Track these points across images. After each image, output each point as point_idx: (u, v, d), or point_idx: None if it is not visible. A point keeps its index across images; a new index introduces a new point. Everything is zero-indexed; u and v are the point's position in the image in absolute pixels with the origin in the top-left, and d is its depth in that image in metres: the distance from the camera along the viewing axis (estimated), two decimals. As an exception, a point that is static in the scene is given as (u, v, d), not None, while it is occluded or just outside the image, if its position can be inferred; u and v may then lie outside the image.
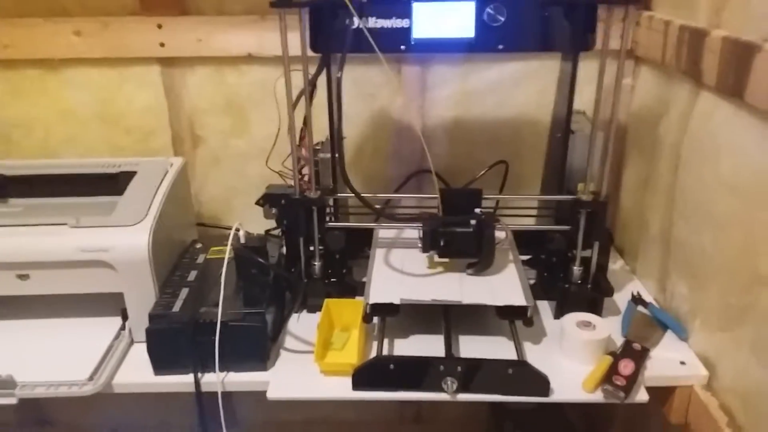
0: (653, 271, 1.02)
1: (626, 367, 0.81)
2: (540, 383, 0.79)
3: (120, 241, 0.87)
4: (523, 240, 1.02)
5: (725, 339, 0.80)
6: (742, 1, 0.75)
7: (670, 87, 0.95)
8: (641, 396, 0.80)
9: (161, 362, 0.85)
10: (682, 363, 0.86)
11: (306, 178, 0.95)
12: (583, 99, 0.97)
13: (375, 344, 0.87)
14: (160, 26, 1.09)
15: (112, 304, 0.90)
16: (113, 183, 1.00)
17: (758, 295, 0.72)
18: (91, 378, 0.82)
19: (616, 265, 1.12)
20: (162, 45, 1.10)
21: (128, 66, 1.13)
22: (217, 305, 0.83)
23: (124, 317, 0.91)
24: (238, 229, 0.90)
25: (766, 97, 0.67)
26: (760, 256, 0.72)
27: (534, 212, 1.09)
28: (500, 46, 0.86)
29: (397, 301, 0.86)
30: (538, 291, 0.96)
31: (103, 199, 0.99)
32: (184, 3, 1.10)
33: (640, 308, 0.97)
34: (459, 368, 0.79)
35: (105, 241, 0.86)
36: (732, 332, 0.79)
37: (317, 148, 0.97)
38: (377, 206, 0.97)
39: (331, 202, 1.00)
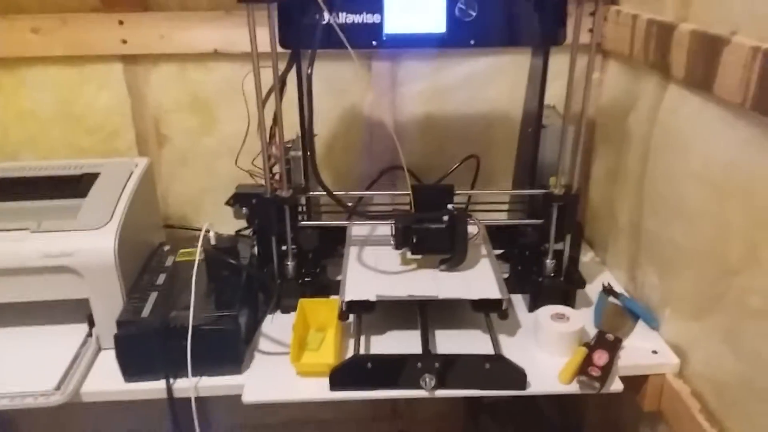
0: (623, 262, 1.04)
1: (600, 357, 0.82)
2: (517, 377, 0.80)
3: (84, 245, 0.84)
4: (495, 234, 1.02)
5: (696, 327, 0.82)
6: (709, -5, 0.76)
7: (637, 80, 0.96)
8: (616, 386, 0.81)
9: (131, 369, 0.82)
10: (654, 352, 0.87)
11: (277, 177, 0.94)
12: (552, 93, 0.97)
13: (351, 343, 0.86)
14: (121, 22, 1.05)
15: (77, 310, 0.87)
16: (76, 185, 0.97)
17: (729, 284, 0.74)
18: (58, 387, 0.79)
19: (586, 256, 1.14)
20: (124, 42, 1.07)
21: (89, 64, 1.09)
22: (188, 309, 0.81)
23: (91, 324, 0.88)
24: (208, 231, 0.88)
25: (735, 90, 0.68)
26: (730, 246, 0.73)
27: (506, 206, 1.09)
28: (472, 41, 0.86)
29: (373, 298, 0.85)
30: (512, 284, 0.96)
31: (65, 203, 0.94)
32: (147, -2, 1.07)
33: (612, 299, 0.98)
34: (436, 364, 0.79)
35: (69, 246, 0.83)
36: (703, 321, 0.80)
37: (288, 145, 0.95)
38: (350, 204, 0.97)
39: (303, 201, 0.99)
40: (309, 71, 0.81)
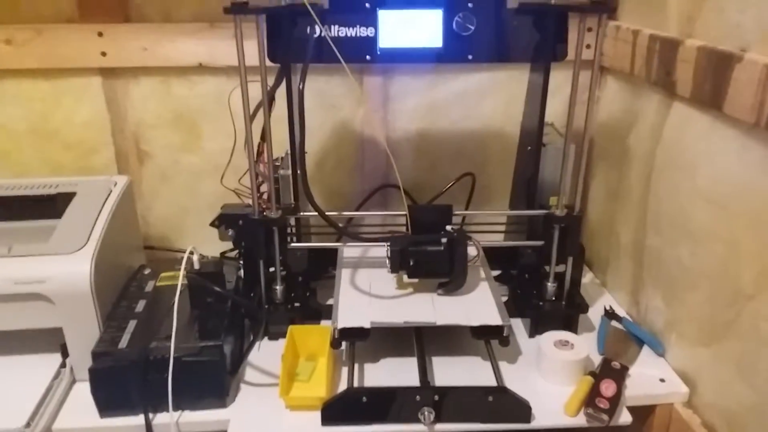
0: (625, 284, 1.00)
1: (608, 388, 0.78)
2: (521, 410, 0.76)
3: (58, 271, 0.78)
4: (492, 256, 0.99)
5: (706, 354, 0.79)
6: (717, 10, 0.73)
7: (638, 98, 0.94)
8: (624, 418, 0.77)
9: (107, 403, 0.77)
10: (662, 380, 0.84)
11: (265, 196, 0.89)
12: (549, 110, 0.94)
13: (344, 372, 0.82)
14: (100, 34, 1.01)
15: (50, 339, 0.82)
16: (50, 205, 0.92)
17: (741, 309, 0.71)
18: (27, 425, 0.74)
19: (585, 278, 1.10)
20: (103, 54, 1.02)
21: (66, 77, 1.04)
22: (169, 339, 0.76)
23: (65, 354, 0.83)
24: (191, 253, 0.84)
25: (748, 109, 0.65)
26: (743, 269, 0.70)
27: (503, 227, 1.06)
28: (469, 56, 0.83)
29: (367, 325, 0.81)
30: (511, 308, 0.91)
31: (38, 224, 0.90)
32: (127, 9, 1.02)
33: (614, 323, 0.95)
34: (436, 397, 0.75)
35: (41, 272, 0.78)
36: (713, 347, 0.77)
37: (277, 163, 0.91)
38: (341, 225, 0.92)
39: (292, 222, 0.94)
40: (301, 86, 0.77)
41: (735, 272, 0.71)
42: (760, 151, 0.66)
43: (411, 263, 0.86)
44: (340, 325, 0.81)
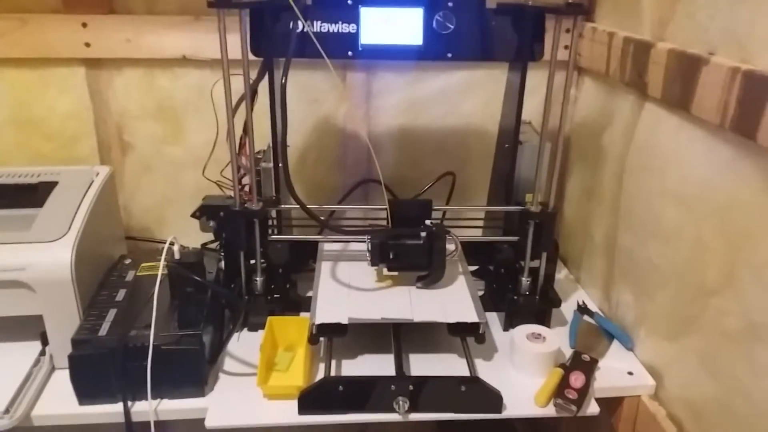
0: (598, 281, 1.03)
1: (577, 379, 0.80)
2: (493, 400, 0.78)
3: (38, 258, 0.79)
4: (470, 251, 1.01)
5: (672, 348, 0.81)
6: (688, 15, 0.76)
7: (613, 98, 0.96)
8: (592, 408, 0.80)
9: (86, 391, 0.78)
10: (630, 373, 0.86)
11: (246, 189, 0.90)
12: (528, 109, 0.96)
13: (322, 366, 0.83)
14: (84, 25, 1.01)
15: (30, 327, 0.82)
16: (32, 194, 0.92)
17: (705, 305, 0.73)
18: (7, 411, 0.74)
19: (560, 274, 1.13)
20: (87, 45, 1.02)
21: (50, 67, 1.05)
22: (149, 327, 0.77)
23: (44, 342, 0.83)
24: (172, 244, 0.84)
25: (714, 110, 0.67)
26: (707, 266, 0.73)
27: (481, 223, 1.08)
28: (449, 54, 0.84)
29: (344, 321, 0.82)
30: (487, 302, 0.94)
31: (20, 212, 0.90)
32: (112, 1, 1.02)
33: (586, 318, 0.97)
34: (410, 387, 0.77)
35: (21, 259, 0.78)
36: (679, 342, 0.79)
37: (258, 156, 0.92)
38: (323, 218, 0.94)
39: (273, 214, 0.95)
40: (283, 80, 0.78)
41: (700, 269, 0.74)
42: (725, 152, 0.68)
43: (391, 256, 0.88)
44: (318, 320, 0.82)
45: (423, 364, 0.85)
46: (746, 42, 0.65)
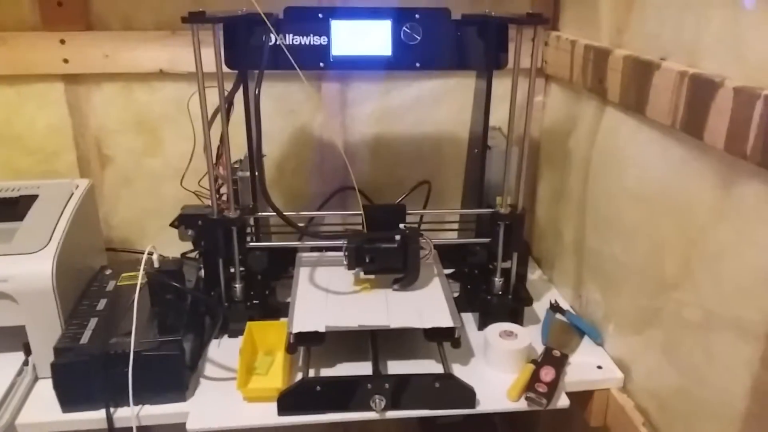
0: (569, 280, 1.06)
1: (547, 374, 0.83)
2: (466, 395, 0.80)
3: (20, 270, 0.81)
4: (447, 254, 1.03)
5: (637, 342, 0.84)
6: (641, 22, 0.80)
7: (578, 104, 1.00)
8: (562, 401, 0.83)
9: (69, 398, 0.79)
10: (599, 367, 0.89)
11: (224, 198, 0.92)
12: (498, 116, 1.00)
13: (300, 374, 0.84)
14: (63, 42, 1.03)
15: (12, 338, 0.83)
16: (12, 208, 0.93)
17: (665, 299, 0.76)
18: (-10, 420, 0.75)
19: (534, 275, 1.16)
20: (65, 61, 1.04)
21: (29, 83, 1.06)
22: (130, 334, 0.79)
23: (27, 352, 0.84)
24: (151, 253, 0.86)
25: (665, 113, 0.71)
26: (665, 261, 0.76)
27: (456, 226, 1.11)
28: (417, 64, 0.88)
29: (322, 329, 0.82)
30: (462, 303, 0.97)
31: (1, 226, 0.91)
32: (89, 17, 1.04)
33: (558, 316, 1.00)
34: (387, 385, 0.79)
35: (4, 271, 0.80)
36: (643, 335, 0.83)
37: (236, 166, 0.94)
38: (300, 224, 0.96)
39: (251, 222, 0.98)
40: (257, 91, 0.81)
41: (659, 265, 0.77)
42: (678, 151, 0.72)
43: (367, 260, 0.90)
44: (295, 329, 0.82)
45: (400, 368, 0.86)
46: (693, 47, 0.69)
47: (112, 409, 0.79)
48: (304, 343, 0.84)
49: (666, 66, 0.71)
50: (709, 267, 0.68)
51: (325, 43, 0.85)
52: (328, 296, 0.92)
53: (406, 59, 0.87)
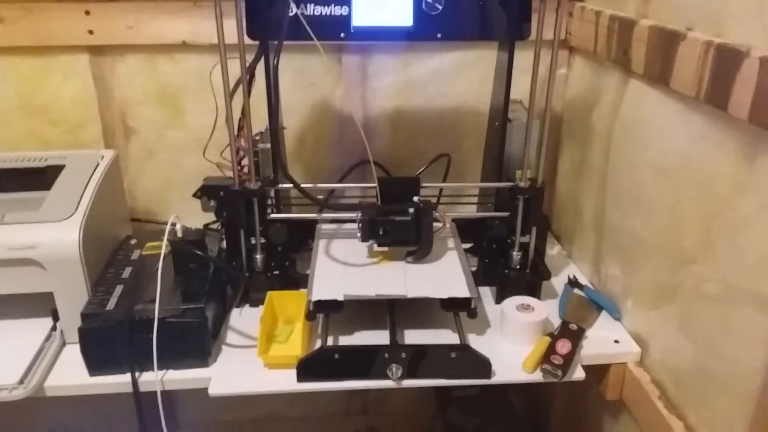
0: (588, 255, 1.06)
1: (563, 346, 0.83)
2: (482, 366, 0.81)
3: (48, 237, 0.83)
4: (466, 228, 1.04)
5: (655, 317, 0.84)
6: (667, -7, 0.78)
7: (601, 76, 0.98)
8: (578, 374, 0.83)
9: (96, 362, 0.82)
10: (616, 341, 0.89)
11: (245, 170, 0.93)
12: (521, 89, 0.98)
13: (319, 341, 0.86)
14: (87, 13, 1.04)
15: (41, 304, 0.86)
16: (40, 178, 0.95)
17: (685, 273, 0.76)
18: (21, 382, 0.78)
19: (553, 250, 1.16)
20: (90, 32, 1.05)
21: (55, 55, 1.08)
22: (154, 301, 0.81)
23: (55, 318, 0.87)
24: (174, 223, 0.88)
25: (690, 84, 0.70)
26: (685, 235, 0.75)
27: (475, 200, 1.11)
28: (438, 35, 0.87)
29: (340, 298, 0.84)
30: (479, 277, 0.97)
31: (29, 195, 0.93)
32: (114, -12, 1.05)
33: (576, 291, 1.00)
34: (403, 354, 0.80)
35: (32, 238, 0.82)
36: (661, 310, 0.82)
37: (257, 138, 0.95)
38: (319, 197, 0.97)
39: (272, 194, 0.99)
40: (275, 62, 0.81)
41: (680, 238, 0.77)
42: (701, 123, 0.71)
43: (380, 232, 0.91)
44: (315, 297, 0.84)
45: (417, 337, 0.88)
46: (720, 16, 0.67)
47: (137, 374, 0.81)
48: (323, 311, 0.86)
49: (692, 36, 0.70)
50: (730, 240, 0.67)
51: (346, 13, 0.85)
52: (347, 267, 0.93)
53: (428, 30, 0.86)
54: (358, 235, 0.91)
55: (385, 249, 0.93)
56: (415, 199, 0.91)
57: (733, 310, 0.67)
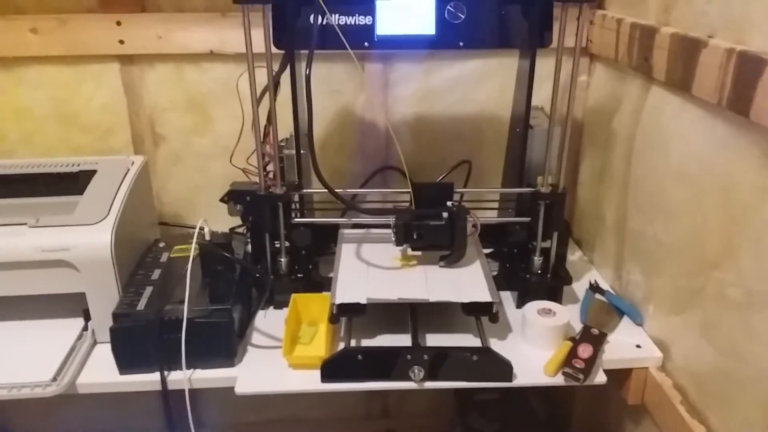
0: (609, 260, 1.06)
1: (585, 350, 0.84)
2: (503, 368, 0.82)
3: (81, 239, 0.85)
4: (487, 233, 1.04)
5: (677, 322, 0.84)
6: (688, 1, 0.79)
7: (622, 83, 0.99)
8: (599, 378, 0.83)
9: (126, 361, 0.84)
10: (638, 346, 0.90)
11: (271, 175, 0.95)
12: (541, 96, 1.00)
13: (342, 344, 0.87)
14: (119, 23, 1.07)
15: (73, 304, 0.89)
16: (73, 182, 0.99)
17: (706, 278, 0.76)
18: (54, 379, 0.80)
19: (574, 255, 1.16)
20: (121, 42, 1.09)
21: (87, 64, 1.11)
22: (183, 302, 0.83)
23: (87, 318, 0.89)
24: (203, 227, 0.90)
25: (711, 90, 0.70)
26: (707, 240, 0.76)
27: (496, 205, 1.12)
28: (461, 43, 0.88)
29: (363, 301, 0.85)
30: (500, 282, 0.98)
31: (62, 199, 0.96)
32: (143, 0, 1.09)
33: (598, 296, 1.01)
34: (425, 356, 0.81)
35: (66, 241, 0.85)
36: (683, 315, 0.83)
37: (282, 144, 0.97)
38: (348, 200, 0.98)
39: (296, 198, 1.01)
40: (307, 72, 0.83)
41: (702, 244, 0.77)
42: (723, 129, 0.71)
43: (414, 236, 0.92)
44: (338, 300, 0.85)
45: (438, 341, 0.88)
46: (741, 24, 0.68)
47: (165, 372, 0.83)
48: (346, 314, 0.87)
49: (713, 43, 0.71)
50: (753, 245, 0.68)
51: (370, 23, 0.87)
52: (369, 271, 0.94)
53: (450, 38, 0.87)
54: (392, 238, 0.91)
55: (418, 253, 0.94)
56: (449, 203, 0.92)
57: (756, 315, 0.67)
